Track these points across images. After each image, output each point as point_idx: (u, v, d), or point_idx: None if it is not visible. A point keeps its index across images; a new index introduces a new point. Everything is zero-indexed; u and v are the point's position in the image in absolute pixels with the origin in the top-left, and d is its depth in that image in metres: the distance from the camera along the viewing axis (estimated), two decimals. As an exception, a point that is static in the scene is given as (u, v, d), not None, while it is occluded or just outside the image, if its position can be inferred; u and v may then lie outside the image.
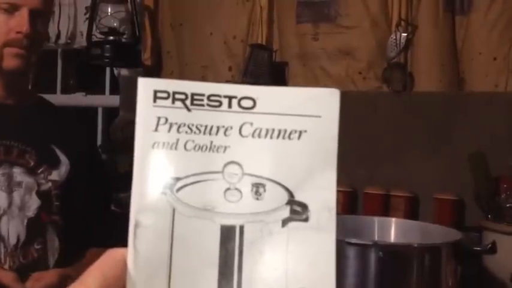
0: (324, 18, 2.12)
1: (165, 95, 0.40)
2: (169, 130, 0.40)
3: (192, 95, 0.40)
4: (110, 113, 2.64)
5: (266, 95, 0.41)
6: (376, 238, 1.35)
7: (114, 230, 1.43)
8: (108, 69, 2.60)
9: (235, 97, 0.41)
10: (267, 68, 2.10)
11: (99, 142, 2.58)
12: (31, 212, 1.27)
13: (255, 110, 0.41)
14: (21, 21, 1.24)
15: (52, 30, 2.41)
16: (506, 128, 1.83)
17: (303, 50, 2.15)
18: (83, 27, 2.47)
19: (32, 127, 1.35)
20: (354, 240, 1.08)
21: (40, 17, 1.28)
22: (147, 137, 0.40)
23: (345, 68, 2.08)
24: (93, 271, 0.38)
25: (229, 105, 0.41)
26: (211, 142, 0.40)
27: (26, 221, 1.26)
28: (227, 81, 2.23)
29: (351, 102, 2.03)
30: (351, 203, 1.88)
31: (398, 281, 1.14)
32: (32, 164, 1.29)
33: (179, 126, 0.40)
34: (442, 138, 1.91)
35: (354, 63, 2.07)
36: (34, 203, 1.28)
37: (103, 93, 2.67)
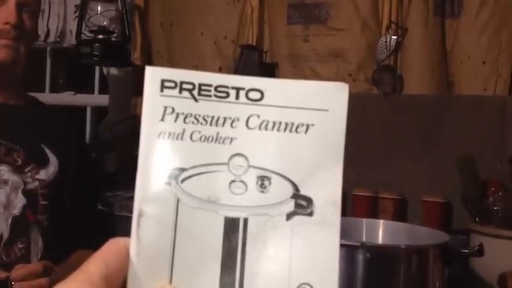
0: (315, 20, 2.12)
1: (172, 84, 0.40)
2: (175, 120, 0.40)
3: (200, 85, 0.40)
4: (99, 112, 2.63)
5: (274, 87, 0.40)
6: (364, 239, 1.35)
7: (100, 230, 1.43)
8: (97, 68, 2.59)
9: (243, 88, 0.40)
10: (257, 69, 2.10)
11: (87, 141, 2.57)
12: (16, 210, 1.26)
13: (262, 102, 0.40)
14: (8, 12, 1.27)
15: (41, 29, 2.39)
16: (494, 132, 1.84)
17: (294, 51, 2.15)
18: (72, 25, 2.46)
19: (21, 126, 1.34)
20: (341, 241, 1.07)
21: (27, 9, 1.31)
22: (153, 127, 0.39)
23: (335, 70, 2.09)
24: (95, 259, 0.38)
25: (237, 97, 0.40)
26: (218, 133, 0.40)
27: (10, 219, 1.25)
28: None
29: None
30: (339, 204, 1.88)
31: (386, 282, 1.14)
32: (20, 162, 1.28)
33: (186, 117, 0.40)
34: (430, 141, 1.91)
35: (344, 65, 2.08)
36: (20, 201, 1.27)
37: (92, 92, 2.66)
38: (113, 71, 2.46)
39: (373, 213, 1.86)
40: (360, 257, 1.10)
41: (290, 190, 0.39)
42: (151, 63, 2.42)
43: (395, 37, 1.97)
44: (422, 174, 1.90)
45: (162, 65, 2.39)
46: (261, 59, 2.14)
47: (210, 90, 0.40)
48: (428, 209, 1.84)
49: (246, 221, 0.39)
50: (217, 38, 2.29)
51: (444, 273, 1.19)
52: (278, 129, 0.40)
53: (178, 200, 0.39)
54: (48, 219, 1.29)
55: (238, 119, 0.40)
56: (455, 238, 1.47)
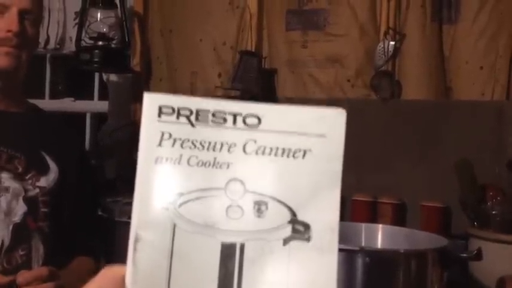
0: (313, 26, 2.13)
1: (169, 110, 0.41)
2: (173, 145, 0.40)
3: (197, 111, 0.41)
4: (98, 118, 2.64)
5: (271, 113, 0.41)
6: (363, 244, 1.35)
7: (100, 236, 1.43)
8: (97, 75, 2.60)
9: (240, 114, 0.41)
10: (256, 75, 2.11)
11: (87, 148, 2.57)
12: (17, 217, 1.26)
13: (259, 127, 0.40)
14: (10, 20, 1.27)
15: (41, 35, 2.39)
16: (492, 136, 1.85)
17: (292, 57, 2.16)
18: (72, 32, 2.47)
19: (22, 133, 1.35)
20: (340, 246, 1.08)
21: (29, 17, 1.31)
22: (151, 152, 0.40)
23: (333, 76, 2.09)
24: (91, 286, 0.38)
25: (234, 122, 0.41)
26: (215, 158, 0.40)
27: (11, 226, 1.25)
28: (216, 87, 2.23)
29: (339, 109, 2.04)
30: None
31: (385, 287, 1.14)
32: (21, 169, 1.28)
33: (183, 142, 0.40)
34: (429, 146, 1.92)
35: (343, 71, 2.08)
36: (20, 208, 1.27)
37: (92, 98, 2.66)
38: (113, 77, 2.47)
39: (372, 218, 1.86)
40: (359, 262, 1.10)
41: (287, 215, 0.40)
42: (150, 70, 2.43)
43: (393, 43, 1.97)
44: (421, 179, 1.91)
45: (161, 71, 2.40)
46: (260, 65, 2.15)
47: (207, 116, 0.41)
48: (427, 214, 1.85)
49: (242, 246, 0.39)
50: (216, 44, 2.29)
51: (443, 277, 1.20)
52: (275, 155, 0.40)
53: (175, 225, 0.39)
54: (49, 226, 1.30)
55: (235, 145, 0.40)
56: (454, 242, 1.48)
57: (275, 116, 0.41)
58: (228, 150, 0.40)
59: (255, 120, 0.41)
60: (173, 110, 0.41)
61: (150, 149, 0.40)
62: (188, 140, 0.40)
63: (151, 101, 0.41)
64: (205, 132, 0.40)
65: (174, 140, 0.40)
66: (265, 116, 0.41)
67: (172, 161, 0.40)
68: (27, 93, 1.49)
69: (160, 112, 0.41)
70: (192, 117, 0.41)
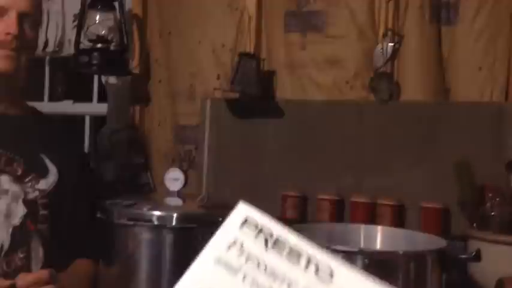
0: (312, 27, 2.13)
1: (253, 224, 0.41)
2: (238, 256, 0.40)
3: (278, 238, 0.41)
4: (97, 121, 2.64)
5: (346, 274, 0.40)
6: (362, 246, 1.35)
7: (99, 238, 1.43)
8: (96, 77, 2.60)
9: (315, 261, 0.40)
10: (255, 77, 2.11)
11: (86, 150, 2.57)
12: (17, 220, 1.27)
13: (327, 282, 0.39)
14: (9, 23, 1.27)
15: (40, 38, 2.39)
16: (491, 137, 1.85)
17: (291, 59, 2.16)
18: (71, 35, 2.47)
19: (21, 136, 1.35)
20: (339, 247, 1.08)
21: (28, 20, 1.31)
22: (215, 252, 0.40)
23: (332, 77, 2.10)
24: None
25: (307, 266, 0.40)
26: (271, 287, 0.39)
27: (11, 229, 1.26)
28: (215, 89, 2.23)
29: (338, 111, 2.05)
30: (337, 211, 1.89)
31: (384, 289, 1.14)
32: (20, 172, 1.29)
33: (250, 258, 0.40)
34: (428, 147, 1.92)
35: (341, 73, 2.08)
36: (20, 211, 1.27)
37: (91, 101, 2.66)
38: (112, 79, 2.47)
39: (371, 219, 1.86)
40: (358, 263, 1.10)
41: None
42: (149, 72, 2.43)
43: (392, 44, 1.98)
44: (420, 180, 1.91)
45: (160, 73, 2.41)
46: (258, 67, 2.15)
47: (284, 248, 0.40)
48: (426, 215, 1.85)
49: None
50: (215, 46, 2.30)
51: (442, 278, 1.20)
52: None
53: None
54: (48, 229, 1.30)
55: (296, 286, 0.39)
56: (453, 244, 1.48)
57: (349, 277, 0.40)
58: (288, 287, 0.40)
59: (327, 274, 0.40)
60: (256, 226, 0.41)
61: (216, 249, 0.40)
62: (255, 259, 0.40)
63: (241, 209, 0.42)
64: (275, 261, 0.40)
65: (242, 252, 0.40)
66: (338, 274, 0.40)
67: (230, 269, 0.40)
68: (26, 96, 1.49)
69: (244, 222, 0.41)
70: (270, 241, 0.41)
